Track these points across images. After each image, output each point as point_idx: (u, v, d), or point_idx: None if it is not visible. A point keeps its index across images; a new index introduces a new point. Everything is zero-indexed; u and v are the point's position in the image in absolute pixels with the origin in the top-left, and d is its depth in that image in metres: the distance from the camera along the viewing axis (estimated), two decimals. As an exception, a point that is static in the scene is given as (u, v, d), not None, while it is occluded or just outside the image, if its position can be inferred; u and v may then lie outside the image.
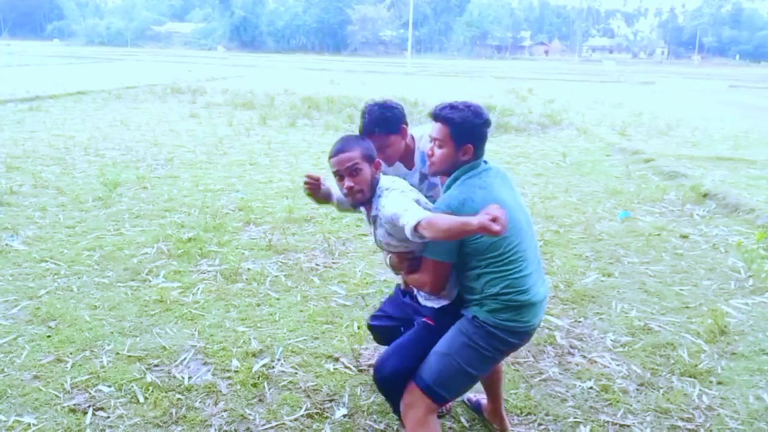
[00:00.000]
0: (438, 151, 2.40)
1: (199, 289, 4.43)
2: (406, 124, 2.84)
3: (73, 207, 6.35)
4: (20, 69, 28.76)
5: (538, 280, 2.40)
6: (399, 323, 2.76)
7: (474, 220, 1.87)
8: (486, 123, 2.42)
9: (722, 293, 4.65)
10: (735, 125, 14.87)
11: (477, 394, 3.09)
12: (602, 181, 8.38)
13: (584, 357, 3.66)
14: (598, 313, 4.25)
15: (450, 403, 3.01)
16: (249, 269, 4.83)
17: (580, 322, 4.11)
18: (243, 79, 26.44)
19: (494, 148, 10.78)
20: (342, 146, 2.45)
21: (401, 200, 2.33)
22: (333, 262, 5.05)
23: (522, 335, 2.41)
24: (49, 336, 3.67)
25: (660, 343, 3.82)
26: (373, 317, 2.96)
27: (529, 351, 3.69)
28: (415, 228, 2.11)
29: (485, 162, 2.47)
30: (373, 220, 2.52)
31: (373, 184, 2.47)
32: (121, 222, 5.91)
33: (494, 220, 1.83)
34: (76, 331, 3.73)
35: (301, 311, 4.15)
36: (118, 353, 3.51)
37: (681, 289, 4.68)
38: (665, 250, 5.55)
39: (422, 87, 24.32)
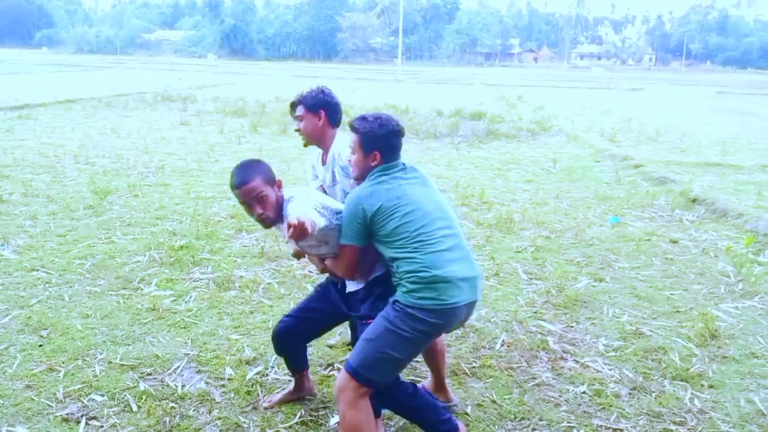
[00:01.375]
0: (352, 157, 2.68)
1: (191, 297, 4.42)
2: (330, 117, 2.99)
3: (63, 215, 6.32)
4: (9, 77, 28.60)
5: (457, 259, 2.49)
6: (320, 315, 2.99)
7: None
8: (391, 133, 2.63)
9: (712, 297, 4.69)
10: (722, 131, 15.03)
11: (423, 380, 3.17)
12: (592, 187, 8.44)
13: (577, 362, 3.68)
14: (590, 317, 4.27)
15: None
16: (242, 277, 4.83)
17: (572, 327, 4.13)
18: (233, 87, 26.44)
19: (485, 155, 10.84)
20: (243, 177, 2.57)
21: (303, 204, 2.49)
22: (326, 269, 5.05)
23: (443, 314, 2.45)
24: (41, 345, 3.65)
25: (652, 347, 3.85)
26: (282, 322, 3.07)
27: (522, 356, 3.71)
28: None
29: (403, 164, 2.65)
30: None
31: (279, 203, 2.61)
32: (112, 230, 5.89)
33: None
34: (68, 340, 3.71)
35: (295, 318, 4.14)
36: (110, 362, 3.49)
37: (672, 294, 4.72)
38: (655, 255, 5.60)
39: (412, 94, 24.41)
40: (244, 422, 3.01)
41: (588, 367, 3.62)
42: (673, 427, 3.06)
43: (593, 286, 4.86)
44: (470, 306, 2.55)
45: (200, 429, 2.94)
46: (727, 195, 7.81)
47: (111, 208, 6.65)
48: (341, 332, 3.82)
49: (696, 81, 47.48)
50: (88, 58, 65.92)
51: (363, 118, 2.67)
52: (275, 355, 3.61)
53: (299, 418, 3.05)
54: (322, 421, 3.03)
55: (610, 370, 3.58)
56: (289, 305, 4.33)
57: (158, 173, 8.53)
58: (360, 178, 2.68)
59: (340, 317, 2.99)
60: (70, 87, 23.05)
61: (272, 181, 2.61)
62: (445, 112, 16.88)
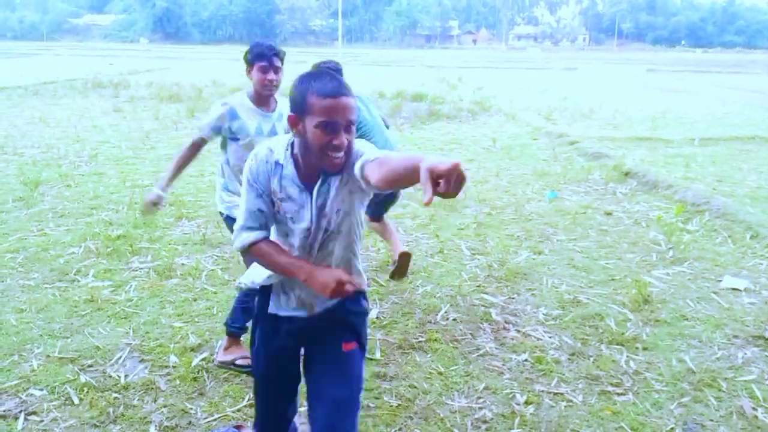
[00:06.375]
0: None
1: (131, 286, 4.31)
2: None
3: (-10, 208, 6.03)
4: (-77, 65, 26.85)
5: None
6: None
7: None
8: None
9: (645, 265, 4.91)
10: (653, 107, 15.60)
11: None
12: (530, 164, 8.64)
13: (519, 331, 3.80)
14: (530, 289, 4.41)
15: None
16: (183, 264, 4.74)
17: (513, 298, 4.25)
18: (168, 72, 25.64)
19: (427, 135, 10.92)
20: (343, 87, 1.80)
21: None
22: (270, 253, 5.00)
23: None
24: (-29, 343, 3.49)
25: (589, 314, 4.01)
26: None
27: (466, 328, 3.80)
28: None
29: None
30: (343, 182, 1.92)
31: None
32: (44, 222, 5.66)
33: None
34: (2, 336, 3.56)
35: (240, 303, 4.10)
36: (48, 356, 3.38)
37: (607, 263, 4.92)
38: (591, 227, 5.80)
39: (354, 76, 24.25)
40: (191, 408, 2.97)
41: (529, 335, 3.74)
42: (610, 388, 3.20)
43: (533, 258, 5.01)
44: None
45: (146, 417, 2.89)
46: (658, 168, 8.14)
47: (42, 199, 6.38)
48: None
49: (627, 60, 49.02)
50: (11, 44, 62.40)
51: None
52: (221, 341, 3.58)
53: (247, 401, 3.04)
54: (271, 403, 3.03)
55: (550, 337, 3.71)
56: (234, 290, 4.28)
57: (91, 162, 8.22)
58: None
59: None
60: (-7, 75, 21.84)
61: None
62: (387, 94, 16.87)
